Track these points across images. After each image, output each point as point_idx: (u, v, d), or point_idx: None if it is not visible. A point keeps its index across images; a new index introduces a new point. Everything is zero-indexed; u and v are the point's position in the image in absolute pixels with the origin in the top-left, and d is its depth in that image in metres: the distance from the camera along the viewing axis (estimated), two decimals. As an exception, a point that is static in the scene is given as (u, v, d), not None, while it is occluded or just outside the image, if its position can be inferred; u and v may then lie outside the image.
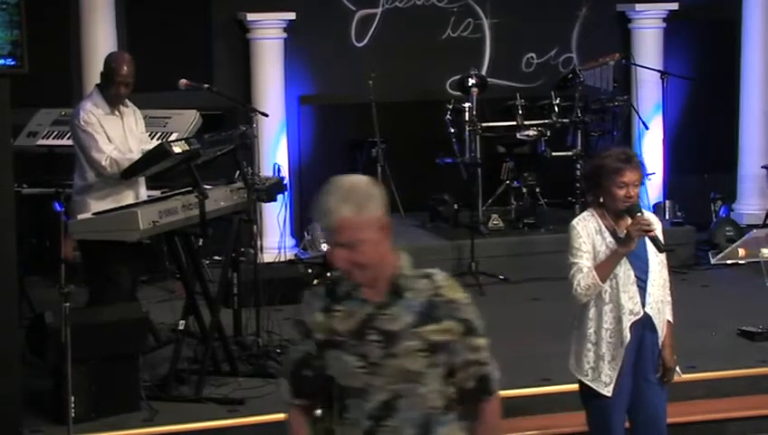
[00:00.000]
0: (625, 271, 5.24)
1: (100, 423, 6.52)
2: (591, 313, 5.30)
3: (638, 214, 5.20)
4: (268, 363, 7.35)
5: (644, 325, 5.28)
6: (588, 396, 5.38)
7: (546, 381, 7.09)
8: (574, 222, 5.33)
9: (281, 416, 6.69)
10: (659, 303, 5.31)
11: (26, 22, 6.20)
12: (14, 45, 6.16)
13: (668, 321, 5.38)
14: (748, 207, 11.37)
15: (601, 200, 5.29)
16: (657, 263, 5.30)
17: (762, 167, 11.14)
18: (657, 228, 5.34)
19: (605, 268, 5.21)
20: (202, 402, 6.83)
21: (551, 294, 9.30)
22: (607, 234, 5.27)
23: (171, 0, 10.46)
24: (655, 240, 5.21)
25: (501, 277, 9.60)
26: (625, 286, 5.24)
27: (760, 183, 11.24)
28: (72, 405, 6.09)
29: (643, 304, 5.25)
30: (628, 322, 5.24)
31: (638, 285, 5.25)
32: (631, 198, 5.21)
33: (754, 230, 10.17)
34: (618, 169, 5.20)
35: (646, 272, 5.27)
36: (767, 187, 11.19)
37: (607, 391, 5.28)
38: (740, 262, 9.94)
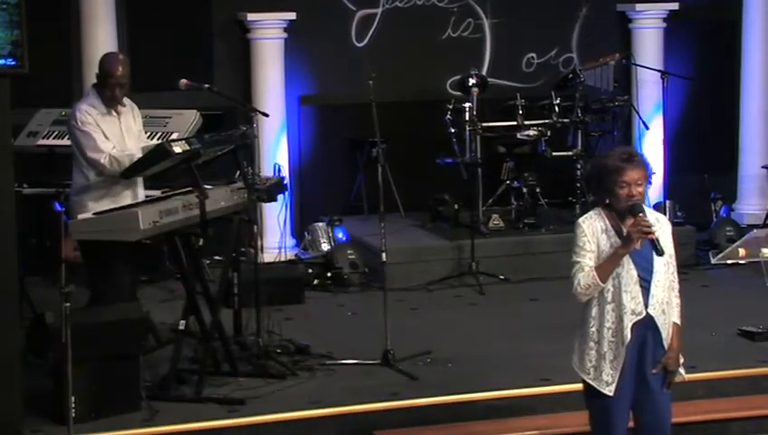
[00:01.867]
0: (628, 270, 5.23)
1: (100, 423, 6.52)
2: (594, 311, 5.30)
3: (641, 214, 5.19)
4: (268, 363, 7.34)
5: (646, 326, 5.27)
6: (590, 395, 5.38)
7: (546, 381, 7.09)
8: (580, 220, 5.34)
9: (281, 416, 6.73)
10: (663, 304, 5.29)
11: (26, 22, 6.20)
12: (14, 45, 6.18)
13: (675, 323, 5.37)
14: (748, 207, 11.37)
15: (607, 201, 5.30)
16: (663, 264, 5.27)
17: (762, 167, 11.13)
18: (667, 229, 5.33)
19: (605, 268, 5.21)
20: (202, 402, 6.83)
21: (551, 294, 9.31)
22: (612, 233, 5.27)
23: (171, 0, 10.46)
24: (653, 242, 5.20)
25: (501, 277, 9.60)
26: (627, 286, 5.24)
27: (760, 183, 11.24)
28: (73, 405, 6.08)
29: (646, 305, 5.25)
30: (629, 322, 5.23)
31: (642, 286, 5.25)
32: (633, 196, 5.21)
33: (755, 230, 10.19)
34: (619, 169, 5.20)
35: (650, 272, 5.25)
36: (767, 187, 11.19)
37: (608, 391, 5.27)
38: (740, 262, 9.95)
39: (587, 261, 5.23)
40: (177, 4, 10.46)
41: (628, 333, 5.23)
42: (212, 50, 10.60)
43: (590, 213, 5.36)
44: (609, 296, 5.26)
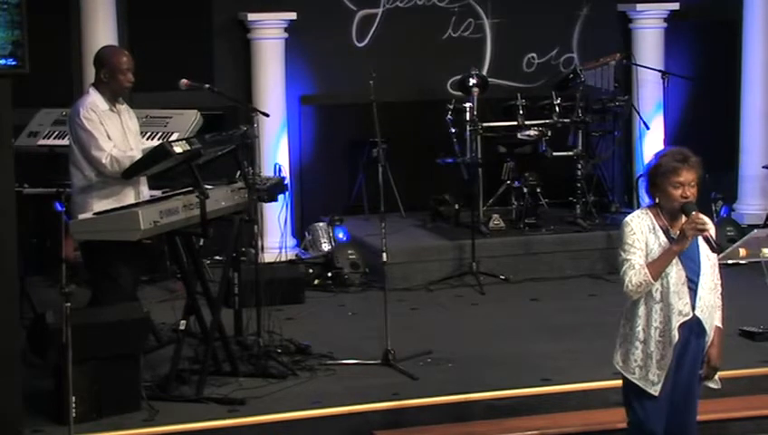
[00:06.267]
0: (677, 271, 5.24)
1: (100, 423, 6.53)
2: (641, 311, 5.29)
3: (694, 213, 5.20)
4: (269, 363, 7.35)
5: (691, 328, 5.28)
6: (632, 394, 5.35)
7: (546, 381, 7.09)
8: (628, 219, 5.33)
9: (281, 416, 6.74)
10: (709, 307, 5.31)
11: (27, 22, 6.20)
12: (14, 45, 6.16)
13: (718, 326, 5.39)
14: (749, 207, 11.37)
15: (656, 200, 5.31)
16: (710, 266, 5.31)
17: (762, 167, 11.14)
18: (712, 231, 5.33)
19: (657, 266, 5.21)
20: (203, 402, 6.83)
21: (551, 294, 9.33)
22: (660, 233, 5.27)
23: (172, 0, 10.46)
24: (708, 240, 5.21)
25: (501, 277, 9.61)
26: (676, 287, 5.24)
27: (761, 183, 11.24)
28: (73, 405, 6.09)
29: (693, 307, 5.26)
30: (677, 322, 5.24)
31: (690, 287, 5.26)
32: (687, 197, 5.22)
33: (755, 230, 10.15)
34: (674, 169, 5.22)
35: (697, 274, 5.27)
36: (768, 187, 11.20)
37: (654, 391, 5.27)
38: (741, 262, 9.93)
39: (637, 259, 5.22)
40: (178, 4, 10.47)
41: (675, 334, 5.24)
42: (212, 50, 10.60)
43: (637, 212, 5.36)
44: (657, 296, 5.26)
